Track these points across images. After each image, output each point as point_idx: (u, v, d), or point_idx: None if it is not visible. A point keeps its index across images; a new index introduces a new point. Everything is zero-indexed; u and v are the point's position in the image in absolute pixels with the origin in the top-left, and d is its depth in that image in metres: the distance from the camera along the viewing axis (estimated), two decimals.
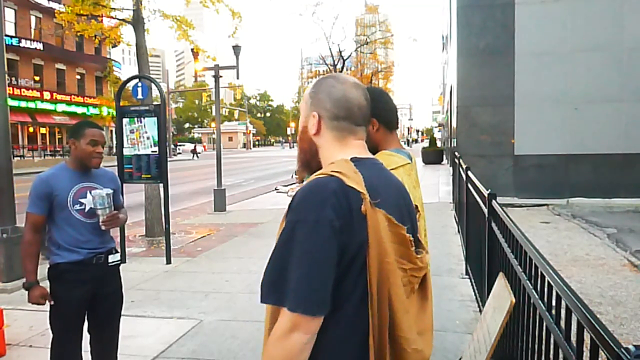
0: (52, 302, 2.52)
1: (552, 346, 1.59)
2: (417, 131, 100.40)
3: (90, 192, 2.55)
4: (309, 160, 1.27)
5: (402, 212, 1.18)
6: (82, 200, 2.56)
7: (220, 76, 11.34)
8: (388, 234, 1.09)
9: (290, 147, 75.50)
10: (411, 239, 1.15)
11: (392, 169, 1.78)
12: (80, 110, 37.67)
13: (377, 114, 1.89)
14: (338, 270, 1.04)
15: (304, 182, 1.14)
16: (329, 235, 1.02)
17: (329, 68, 25.53)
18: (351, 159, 1.17)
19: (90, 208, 2.56)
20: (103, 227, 2.57)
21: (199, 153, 47.71)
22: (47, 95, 34.83)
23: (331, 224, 1.03)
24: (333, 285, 1.04)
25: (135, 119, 6.29)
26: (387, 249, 1.08)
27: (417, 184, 1.94)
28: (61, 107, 36.11)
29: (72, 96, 37.32)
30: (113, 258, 2.70)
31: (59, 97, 36.01)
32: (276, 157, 40.56)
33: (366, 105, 1.24)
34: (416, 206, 1.31)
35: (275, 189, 13.81)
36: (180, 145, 57.09)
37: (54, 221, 2.54)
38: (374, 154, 1.87)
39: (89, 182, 2.61)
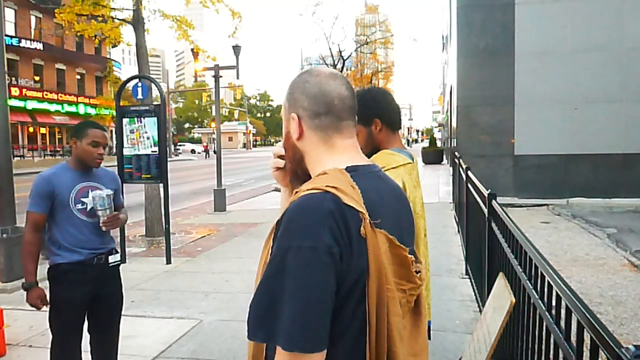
0: (49, 306, 2.52)
1: (552, 346, 1.59)
2: (417, 131, 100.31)
3: (91, 192, 2.55)
4: (296, 170, 1.15)
5: (402, 226, 1.08)
6: (84, 200, 2.56)
7: (220, 76, 11.34)
8: (388, 256, 0.99)
9: None
10: (413, 259, 1.04)
11: (393, 168, 1.78)
12: (80, 110, 37.68)
13: (380, 114, 1.89)
14: (335, 302, 0.93)
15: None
16: (328, 264, 0.90)
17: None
18: (347, 168, 1.04)
19: (92, 208, 2.56)
20: (103, 228, 2.57)
21: (199, 152, 47.87)
22: (47, 95, 34.82)
23: (330, 251, 0.90)
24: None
25: (135, 119, 6.30)
26: (387, 274, 0.98)
27: (418, 183, 1.95)
28: (61, 107, 36.10)
29: (72, 96, 37.31)
30: (113, 258, 2.70)
31: (59, 97, 36.01)
32: None
33: (349, 95, 1.10)
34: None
35: (276, 189, 13.80)
36: (180, 145, 57.06)
37: (55, 221, 2.53)
38: (375, 153, 1.88)
39: (90, 182, 2.61)
